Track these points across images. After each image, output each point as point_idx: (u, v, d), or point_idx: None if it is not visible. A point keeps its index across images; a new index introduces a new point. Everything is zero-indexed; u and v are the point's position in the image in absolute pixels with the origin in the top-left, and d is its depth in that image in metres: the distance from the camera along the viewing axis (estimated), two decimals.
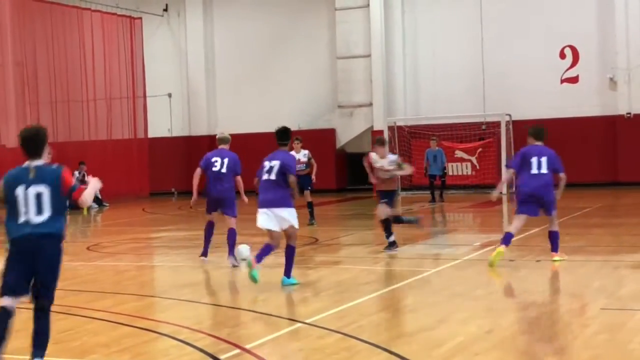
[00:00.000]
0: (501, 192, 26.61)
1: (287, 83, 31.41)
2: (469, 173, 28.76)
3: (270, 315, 9.06)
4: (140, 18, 31.70)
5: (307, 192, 18.12)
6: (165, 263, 14.42)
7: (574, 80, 28.02)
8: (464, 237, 16.73)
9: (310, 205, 18.51)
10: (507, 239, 11.81)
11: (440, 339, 7.64)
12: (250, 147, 27.95)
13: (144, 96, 31.61)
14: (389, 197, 13.69)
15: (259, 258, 10.60)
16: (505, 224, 19.88)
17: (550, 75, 28.03)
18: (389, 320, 8.88)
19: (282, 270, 10.83)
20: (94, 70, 29.50)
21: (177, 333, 8.16)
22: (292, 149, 16.96)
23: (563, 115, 26.86)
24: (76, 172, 24.53)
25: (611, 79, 27.34)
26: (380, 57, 29.52)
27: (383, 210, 13.63)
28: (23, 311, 9.43)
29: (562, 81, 28.13)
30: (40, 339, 6.56)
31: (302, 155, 18.04)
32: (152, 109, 31.80)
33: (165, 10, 33.33)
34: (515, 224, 11.94)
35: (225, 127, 30.57)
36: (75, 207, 13.83)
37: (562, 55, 28.04)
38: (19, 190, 6.47)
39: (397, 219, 13.97)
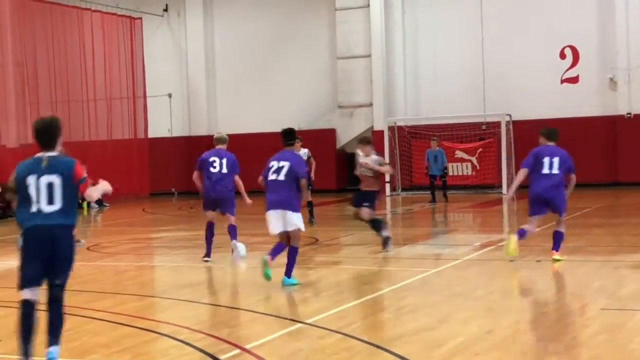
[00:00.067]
0: (502, 193, 26.80)
1: (287, 83, 31.41)
2: (469, 173, 28.76)
3: (271, 315, 9.06)
4: (141, 18, 31.70)
5: (307, 192, 18.15)
6: (165, 263, 14.42)
7: (574, 80, 28.02)
8: (464, 237, 16.73)
9: (310, 205, 18.55)
10: (521, 234, 11.88)
11: (440, 339, 7.64)
12: (250, 148, 28.04)
13: (144, 96, 31.61)
14: (370, 198, 13.83)
15: (273, 256, 10.69)
16: (506, 224, 19.91)
17: (551, 76, 28.02)
18: (389, 321, 8.88)
19: (282, 270, 10.83)
20: (94, 71, 29.49)
21: (177, 333, 8.16)
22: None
23: (563, 115, 26.85)
24: None
25: (611, 79, 27.34)
26: (380, 57, 29.52)
27: (366, 212, 13.77)
28: None
29: (563, 81, 28.13)
30: (55, 327, 6.63)
31: (302, 154, 18.06)
32: (152, 109, 31.80)
33: (166, 10, 33.32)
34: (530, 227, 11.93)
35: (225, 127, 30.63)
36: (78, 205, 13.93)
37: (563, 56, 28.04)
38: (31, 180, 6.53)
39: (374, 223, 14.00)
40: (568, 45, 27.92)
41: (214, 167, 13.06)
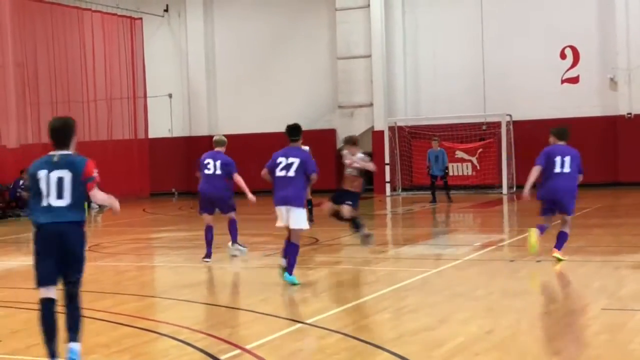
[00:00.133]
0: (502, 193, 26.81)
1: (287, 83, 31.42)
2: (470, 173, 28.76)
3: (271, 315, 9.05)
4: (141, 18, 31.71)
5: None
6: (165, 263, 14.42)
7: (574, 80, 28.01)
8: (464, 238, 16.72)
9: (309, 203, 18.55)
10: (542, 229, 11.97)
11: (440, 339, 7.64)
12: (250, 148, 28.08)
13: (145, 96, 31.62)
14: (353, 197, 13.96)
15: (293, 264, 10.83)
16: (506, 225, 19.92)
17: (551, 76, 28.02)
18: (389, 321, 8.87)
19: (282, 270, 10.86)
20: (95, 71, 29.51)
21: (177, 333, 8.16)
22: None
23: (563, 115, 26.83)
24: None
25: (612, 79, 27.33)
26: (380, 57, 29.51)
27: (347, 209, 13.88)
28: (23, 311, 9.44)
29: (563, 81, 28.12)
30: (73, 323, 6.73)
31: None
32: (152, 109, 31.81)
33: (166, 10, 33.33)
34: (545, 223, 12.02)
35: (225, 127, 30.74)
36: None
37: (563, 56, 28.03)
38: (42, 174, 6.67)
39: (354, 221, 14.07)
40: (568, 45, 27.91)
41: (208, 169, 13.33)
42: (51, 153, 6.78)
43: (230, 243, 13.82)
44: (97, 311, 9.28)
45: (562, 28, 27.78)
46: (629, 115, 27.18)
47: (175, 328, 8.42)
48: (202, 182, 13.42)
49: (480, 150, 28.55)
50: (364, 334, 7.93)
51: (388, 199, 27.25)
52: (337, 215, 14.12)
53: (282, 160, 10.76)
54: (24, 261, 14.94)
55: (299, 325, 8.51)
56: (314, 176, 10.83)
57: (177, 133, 33.15)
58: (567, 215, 11.91)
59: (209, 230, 13.33)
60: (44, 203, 6.64)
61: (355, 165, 13.91)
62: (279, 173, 10.73)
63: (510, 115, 27.82)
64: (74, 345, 6.67)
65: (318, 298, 10.20)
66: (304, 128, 11.57)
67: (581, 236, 14.47)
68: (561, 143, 12.02)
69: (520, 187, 26.81)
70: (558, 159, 11.77)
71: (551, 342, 7.59)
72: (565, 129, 12.28)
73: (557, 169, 11.75)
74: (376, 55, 29.59)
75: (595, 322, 8.32)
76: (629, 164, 26.88)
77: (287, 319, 8.89)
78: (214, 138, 14.03)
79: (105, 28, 29.98)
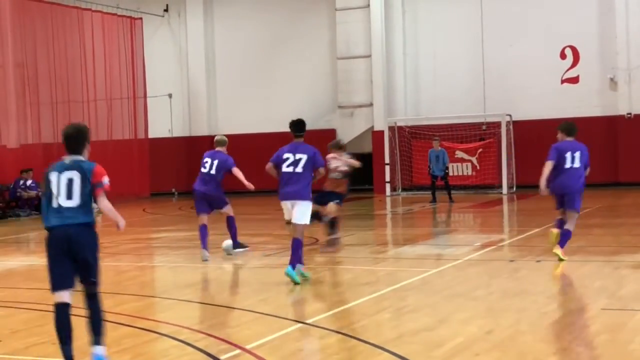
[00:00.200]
0: (502, 193, 26.81)
1: (287, 83, 31.41)
2: (470, 173, 28.75)
3: (271, 315, 9.05)
4: (141, 18, 31.70)
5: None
6: (165, 263, 14.42)
7: (574, 80, 28.01)
8: (464, 238, 16.71)
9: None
10: (560, 224, 12.08)
11: (440, 339, 7.64)
12: (250, 148, 28.07)
13: (145, 97, 31.61)
14: (339, 197, 14.07)
15: (299, 259, 10.86)
16: (506, 225, 19.91)
17: (551, 76, 28.01)
18: (389, 321, 8.87)
19: (283, 270, 10.85)
20: (95, 71, 29.49)
21: (177, 333, 8.16)
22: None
23: (563, 115, 26.71)
24: None
25: (612, 80, 27.32)
26: (380, 57, 29.50)
27: (334, 207, 13.91)
28: (23, 311, 9.45)
29: (563, 81, 28.12)
30: (96, 325, 6.79)
31: None
32: (152, 109, 31.80)
33: (166, 10, 33.32)
34: (562, 216, 12.14)
35: (225, 127, 30.73)
36: None
37: (563, 56, 28.03)
38: (53, 176, 6.77)
39: (332, 222, 14.11)
40: (568, 45, 27.91)
41: (204, 168, 13.54)
42: (64, 157, 6.88)
43: (225, 241, 13.88)
44: None
45: (562, 28, 27.78)
46: (629, 115, 27.18)
47: (175, 328, 8.42)
48: (197, 180, 13.63)
49: (480, 150, 28.54)
50: (364, 334, 7.93)
51: (388, 199, 27.25)
52: (316, 215, 14.03)
53: (290, 157, 10.78)
54: (24, 261, 14.97)
55: (299, 325, 8.52)
56: (322, 170, 10.97)
57: (177, 133, 33.13)
58: (573, 211, 11.93)
59: (203, 228, 13.44)
60: (54, 204, 6.72)
61: (342, 168, 13.99)
62: (286, 169, 10.76)
63: (510, 115, 27.82)
64: (98, 349, 6.73)
65: (318, 298, 10.20)
66: None
67: (581, 236, 14.46)
68: (569, 139, 12.12)
69: (520, 187, 27.06)
70: (568, 155, 11.91)
71: (551, 343, 7.59)
72: (573, 125, 12.41)
73: (568, 165, 11.89)
74: (376, 55, 29.58)
75: (595, 322, 8.33)
76: (629, 164, 26.88)
77: (287, 319, 8.88)
78: (215, 138, 14.20)
79: (105, 28, 29.97)
